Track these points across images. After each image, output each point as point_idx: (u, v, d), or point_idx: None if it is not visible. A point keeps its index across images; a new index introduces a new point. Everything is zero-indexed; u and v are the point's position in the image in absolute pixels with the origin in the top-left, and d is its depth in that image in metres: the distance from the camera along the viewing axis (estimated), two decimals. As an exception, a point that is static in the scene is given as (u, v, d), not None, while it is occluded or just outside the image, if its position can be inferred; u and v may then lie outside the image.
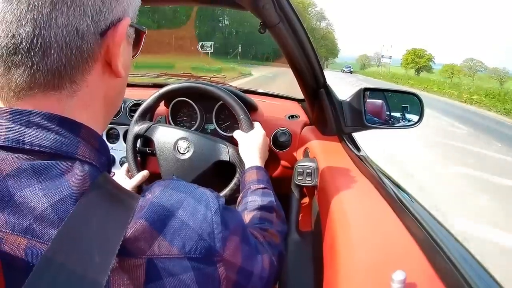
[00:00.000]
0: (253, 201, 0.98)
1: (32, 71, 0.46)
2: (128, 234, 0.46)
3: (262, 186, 1.04)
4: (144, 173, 1.32)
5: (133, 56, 0.61)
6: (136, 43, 0.60)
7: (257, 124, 1.30)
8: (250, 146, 1.22)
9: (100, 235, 0.44)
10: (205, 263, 0.52)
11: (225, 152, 1.30)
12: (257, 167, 1.13)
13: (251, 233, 0.71)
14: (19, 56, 0.45)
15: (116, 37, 0.51)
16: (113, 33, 0.51)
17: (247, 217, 0.92)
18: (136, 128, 1.38)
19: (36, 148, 0.46)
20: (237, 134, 1.29)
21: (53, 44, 0.45)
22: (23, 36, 0.44)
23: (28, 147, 0.46)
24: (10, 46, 0.44)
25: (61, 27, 0.45)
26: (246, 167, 1.16)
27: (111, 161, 0.59)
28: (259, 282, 0.64)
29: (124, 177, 1.31)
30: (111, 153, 1.74)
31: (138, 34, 0.60)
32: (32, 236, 0.43)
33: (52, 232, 0.43)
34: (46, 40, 0.45)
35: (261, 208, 0.95)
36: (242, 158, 1.23)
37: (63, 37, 0.46)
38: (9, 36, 0.44)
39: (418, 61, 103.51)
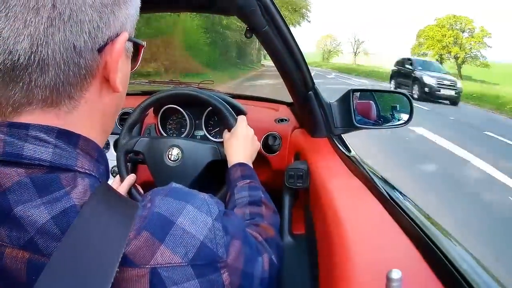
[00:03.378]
0: (240, 198, 0.97)
1: (30, 87, 0.45)
2: (130, 245, 0.46)
3: (248, 181, 1.03)
4: (131, 177, 1.29)
5: (131, 70, 0.61)
6: (135, 57, 0.60)
7: (239, 119, 1.25)
8: (232, 143, 1.19)
9: (102, 247, 0.44)
10: (209, 270, 0.52)
11: (216, 152, 1.29)
12: (240, 164, 1.10)
13: (250, 234, 0.71)
14: (17, 72, 0.44)
15: (114, 52, 0.50)
16: (111, 49, 0.50)
17: (237, 213, 0.92)
18: (123, 143, 1.36)
19: (36, 162, 0.46)
20: (223, 135, 1.27)
21: (50, 61, 0.45)
22: (20, 53, 0.43)
23: (27, 161, 0.45)
24: (8, 63, 0.44)
25: (58, 43, 0.45)
26: (229, 165, 1.13)
27: (109, 169, 0.59)
28: (260, 284, 0.64)
29: (116, 186, 1.29)
30: None
31: (136, 47, 0.59)
32: (34, 249, 0.43)
33: (54, 245, 0.43)
34: (44, 57, 0.44)
35: (249, 203, 0.95)
36: (227, 157, 1.20)
37: (61, 54, 0.45)
38: (7, 52, 0.43)
39: (464, 43, 45.30)
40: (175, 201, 0.54)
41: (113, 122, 0.61)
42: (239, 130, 1.21)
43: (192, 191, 0.59)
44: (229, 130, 1.24)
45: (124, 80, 0.56)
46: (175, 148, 1.32)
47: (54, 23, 0.44)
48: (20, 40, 0.43)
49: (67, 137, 0.49)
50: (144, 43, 0.60)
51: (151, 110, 1.64)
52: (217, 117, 1.64)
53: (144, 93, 1.95)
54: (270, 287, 0.69)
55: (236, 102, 1.63)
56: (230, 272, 0.55)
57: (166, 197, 0.54)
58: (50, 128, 0.47)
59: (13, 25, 0.43)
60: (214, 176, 1.31)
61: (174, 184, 0.59)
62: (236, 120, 1.24)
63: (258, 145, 1.25)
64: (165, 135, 1.67)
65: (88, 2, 0.46)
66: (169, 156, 1.31)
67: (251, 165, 1.13)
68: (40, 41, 0.44)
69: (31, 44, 0.43)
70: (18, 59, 0.44)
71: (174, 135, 1.69)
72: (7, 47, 0.43)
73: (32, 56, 0.44)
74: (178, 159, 1.31)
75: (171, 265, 0.48)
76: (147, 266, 0.46)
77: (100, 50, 0.49)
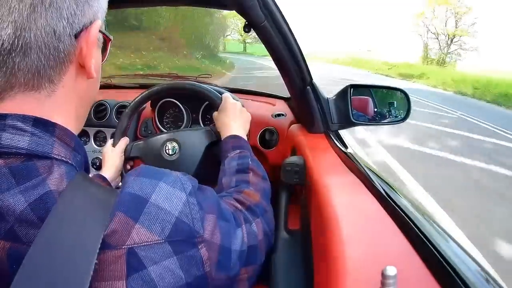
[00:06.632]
0: (229, 168, 0.99)
1: (13, 71, 0.47)
2: (107, 229, 0.47)
3: (238, 151, 1.04)
4: (125, 139, 1.32)
5: (101, 62, 0.63)
6: (103, 50, 0.63)
7: (224, 95, 1.27)
8: (221, 119, 1.21)
9: (81, 234, 0.44)
10: (187, 246, 0.52)
11: (210, 134, 1.30)
12: (231, 136, 1.12)
13: (228, 204, 0.72)
14: (1, 58, 0.46)
15: (89, 38, 0.53)
16: (86, 35, 0.53)
17: (224, 183, 0.93)
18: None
19: (13, 150, 0.47)
20: (213, 115, 1.28)
21: (33, 44, 0.47)
22: (4, 38, 0.45)
23: (4, 150, 0.46)
24: None
25: (40, 28, 0.47)
26: (222, 139, 1.15)
27: (88, 160, 0.60)
28: (238, 258, 0.64)
29: (111, 149, 1.31)
30: (98, 156, 1.74)
31: (105, 41, 0.62)
32: (14, 238, 0.43)
33: (33, 232, 0.44)
34: (27, 41, 0.47)
35: (236, 171, 0.96)
36: (220, 133, 1.21)
37: (42, 38, 0.48)
38: None
39: None
40: (147, 179, 0.55)
41: (87, 110, 0.63)
42: (225, 105, 1.22)
43: (164, 170, 0.60)
44: (217, 110, 1.25)
45: (97, 67, 0.58)
46: (170, 142, 1.31)
47: (36, 9, 0.47)
48: (5, 26, 0.45)
49: (44, 125, 0.50)
50: (111, 37, 0.63)
51: (148, 103, 1.64)
52: (203, 101, 1.63)
53: (141, 86, 1.95)
54: (252, 256, 0.69)
55: (233, 95, 1.63)
56: (208, 247, 0.55)
57: (138, 176, 0.55)
58: (27, 117, 0.49)
59: None
60: (217, 161, 1.31)
61: (145, 166, 0.60)
62: (221, 98, 1.26)
63: (248, 115, 1.27)
64: (162, 129, 1.67)
65: None
66: (167, 151, 1.30)
67: (244, 135, 1.14)
68: (24, 26, 0.46)
69: (15, 30, 0.46)
70: (2, 44, 0.46)
71: (171, 129, 1.68)
72: None
73: (16, 40, 0.46)
74: (175, 152, 1.30)
75: (148, 243, 0.48)
76: (123, 247, 0.47)
77: (77, 35, 0.52)
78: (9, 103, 0.49)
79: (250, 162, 1.00)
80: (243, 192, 0.85)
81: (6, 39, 0.46)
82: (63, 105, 0.54)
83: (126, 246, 0.47)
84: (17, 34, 0.46)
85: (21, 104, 0.49)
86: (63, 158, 0.51)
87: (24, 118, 0.48)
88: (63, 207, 0.45)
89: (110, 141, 1.34)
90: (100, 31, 0.57)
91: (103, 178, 0.64)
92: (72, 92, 0.55)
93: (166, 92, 1.38)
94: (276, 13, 1.08)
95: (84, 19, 0.53)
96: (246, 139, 1.14)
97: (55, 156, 0.50)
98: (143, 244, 0.48)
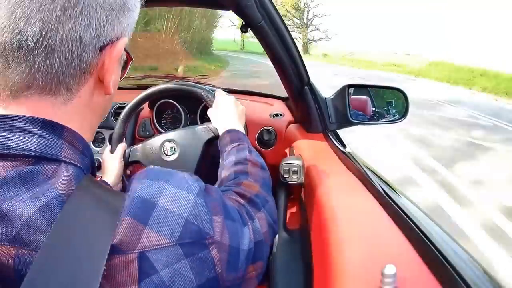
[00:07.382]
0: (228, 161, 0.98)
1: (32, 71, 0.47)
2: (116, 234, 0.46)
3: (236, 144, 1.03)
4: (123, 144, 1.32)
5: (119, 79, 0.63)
6: (123, 68, 0.62)
7: (217, 92, 1.27)
8: (216, 114, 1.20)
9: (89, 239, 0.44)
10: (197, 247, 0.52)
11: (207, 131, 1.28)
12: (228, 131, 1.11)
13: (232, 200, 0.72)
14: (22, 53, 0.46)
15: (113, 53, 0.53)
16: (111, 50, 0.53)
17: (224, 176, 0.92)
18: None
19: (21, 152, 0.46)
20: (208, 112, 1.27)
21: (57, 48, 0.47)
22: (29, 35, 0.45)
23: (13, 152, 0.45)
24: (14, 42, 0.45)
25: (67, 33, 0.47)
26: (220, 134, 1.14)
27: (94, 164, 0.59)
28: (246, 258, 0.63)
29: (110, 156, 1.30)
30: (97, 157, 1.74)
31: (126, 59, 0.62)
32: (21, 244, 0.42)
33: (40, 238, 0.43)
34: (52, 42, 0.46)
35: (235, 164, 0.95)
36: (217, 129, 1.20)
37: (67, 43, 0.47)
38: (15, 32, 0.45)
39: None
40: (154, 182, 0.54)
41: (98, 123, 0.62)
42: (219, 101, 1.22)
43: (170, 170, 0.59)
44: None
45: (115, 84, 0.58)
46: (168, 142, 1.30)
47: (66, 13, 0.46)
48: (32, 23, 0.45)
49: (52, 127, 0.50)
50: (133, 57, 0.62)
51: (146, 104, 1.64)
52: (200, 101, 1.62)
53: (139, 88, 1.95)
54: (259, 252, 0.68)
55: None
56: (219, 248, 0.55)
57: (144, 179, 0.54)
58: (35, 119, 0.48)
59: (28, 7, 0.44)
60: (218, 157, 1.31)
61: (151, 166, 0.59)
62: (214, 95, 1.25)
63: (243, 108, 1.25)
64: (160, 130, 1.66)
65: (99, 2, 0.49)
66: (165, 152, 1.30)
67: (241, 128, 1.13)
68: (51, 27, 0.45)
69: (41, 28, 0.45)
70: (26, 40, 0.45)
71: (169, 129, 1.68)
72: (17, 26, 0.45)
73: (41, 39, 0.45)
74: (174, 152, 1.30)
75: (158, 246, 0.48)
76: (134, 251, 0.46)
77: (101, 48, 0.51)
78: (23, 102, 0.48)
79: (248, 153, 0.99)
80: (242, 183, 0.84)
81: (31, 36, 0.45)
82: (77, 115, 0.54)
83: (137, 251, 0.46)
84: (43, 33, 0.45)
85: (36, 105, 0.49)
86: (71, 161, 0.50)
87: (32, 120, 0.48)
88: (71, 212, 0.45)
89: (108, 148, 1.34)
90: (124, 48, 0.56)
91: (106, 184, 0.63)
92: (87, 104, 0.55)
93: (158, 95, 1.38)
94: (273, 13, 1.08)
95: (112, 33, 0.52)
96: (244, 132, 1.13)
97: (64, 158, 0.49)
98: (154, 247, 0.47)
